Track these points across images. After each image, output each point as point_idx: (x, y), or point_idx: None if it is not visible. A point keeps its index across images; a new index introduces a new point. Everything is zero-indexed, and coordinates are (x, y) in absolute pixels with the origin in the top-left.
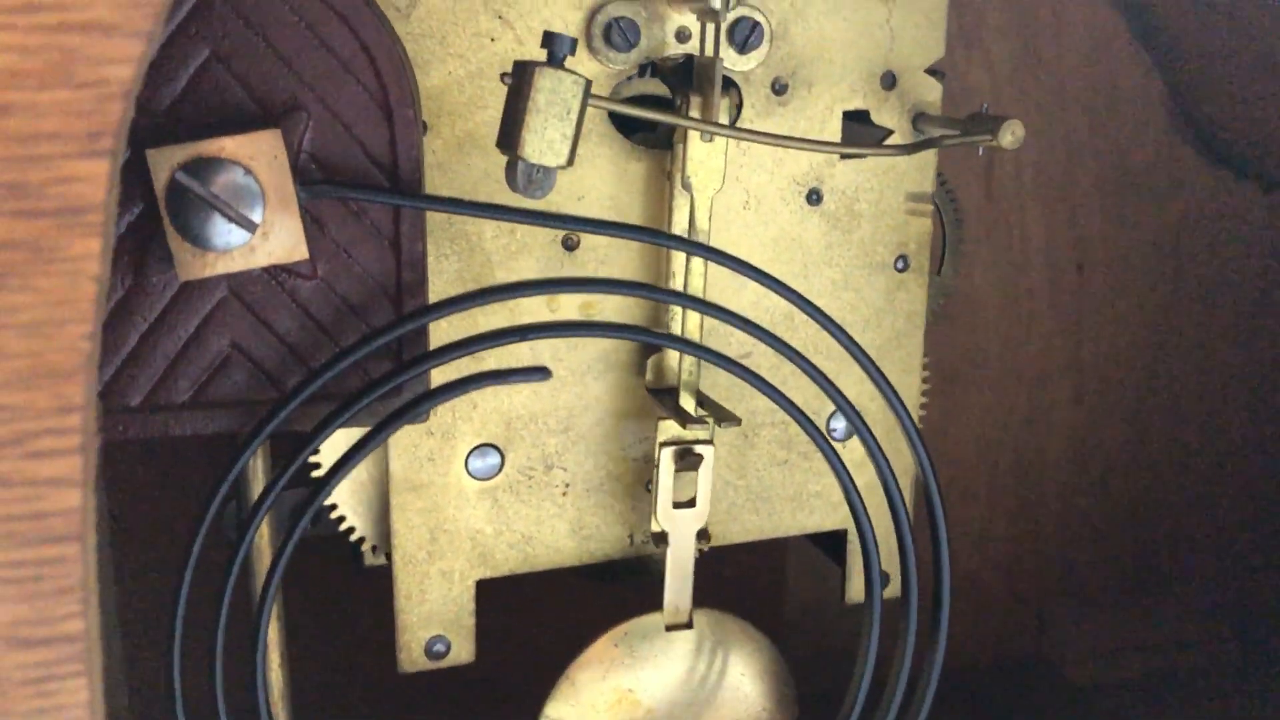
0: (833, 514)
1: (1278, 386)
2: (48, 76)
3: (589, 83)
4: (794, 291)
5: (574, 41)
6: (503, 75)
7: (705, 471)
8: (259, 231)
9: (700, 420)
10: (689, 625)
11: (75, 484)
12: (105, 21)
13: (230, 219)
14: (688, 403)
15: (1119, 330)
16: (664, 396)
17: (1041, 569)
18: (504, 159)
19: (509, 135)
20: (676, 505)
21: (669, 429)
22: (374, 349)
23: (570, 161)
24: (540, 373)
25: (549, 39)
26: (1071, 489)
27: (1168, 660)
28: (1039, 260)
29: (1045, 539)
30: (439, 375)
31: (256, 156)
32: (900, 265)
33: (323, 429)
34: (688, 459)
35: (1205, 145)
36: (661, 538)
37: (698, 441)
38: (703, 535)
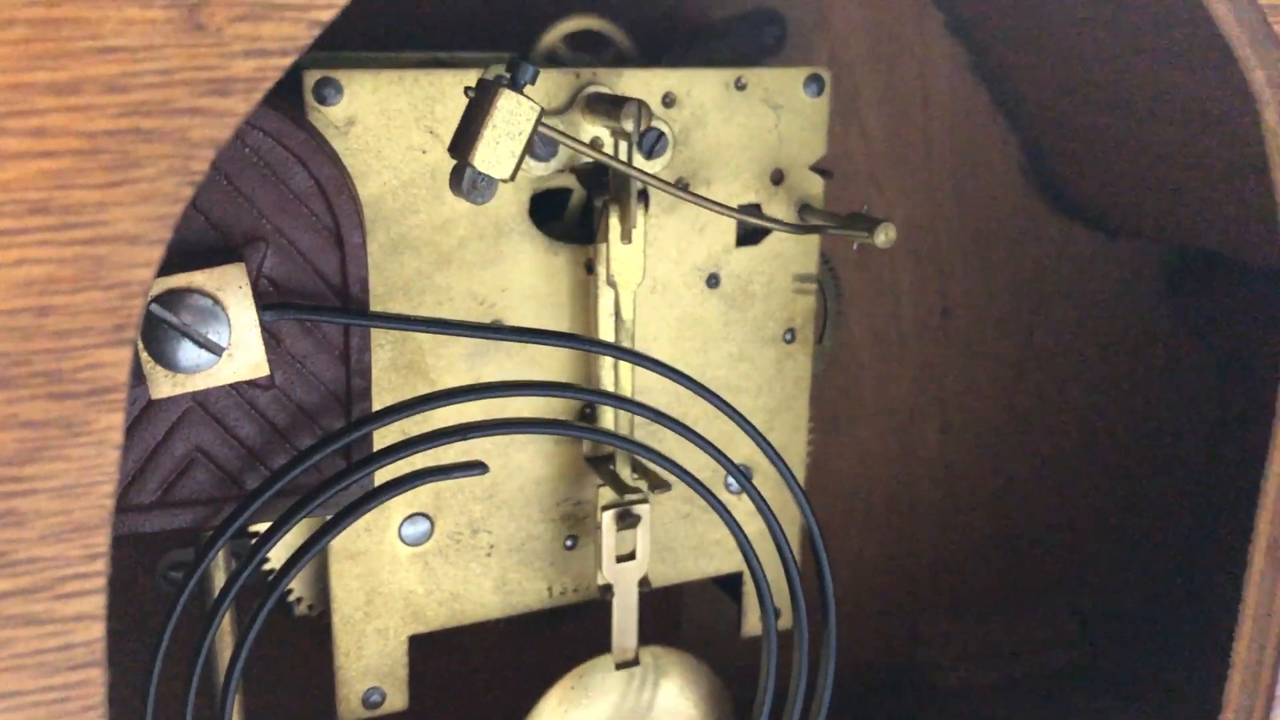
0: (730, 559)
1: (1119, 418)
2: (82, 281)
3: (542, 110)
4: (697, 382)
5: (537, 71)
6: (466, 89)
7: (643, 528)
8: (225, 353)
9: (636, 487)
10: (636, 662)
11: (97, 618)
12: (130, 233)
13: (199, 344)
14: (624, 471)
15: (980, 368)
16: (599, 465)
17: (914, 585)
18: (432, 259)
19: (462, 143)
20: (619, 559)
21: (607, 494)
22: (326, 454)
23: (513, 177)
24: (479, 468)
25: (516, 65)
26: (939, 513)
27: (1024, 663)
28: (908, 307)
29: (917, 559)
30: (382, 474)
31: (223, 287)
32: (789, 338)
33: (282, 524)
34: (627, 519)
35: (1056, 200)
36: (607, 589)
37: (634, 503)
38: (643, 583)
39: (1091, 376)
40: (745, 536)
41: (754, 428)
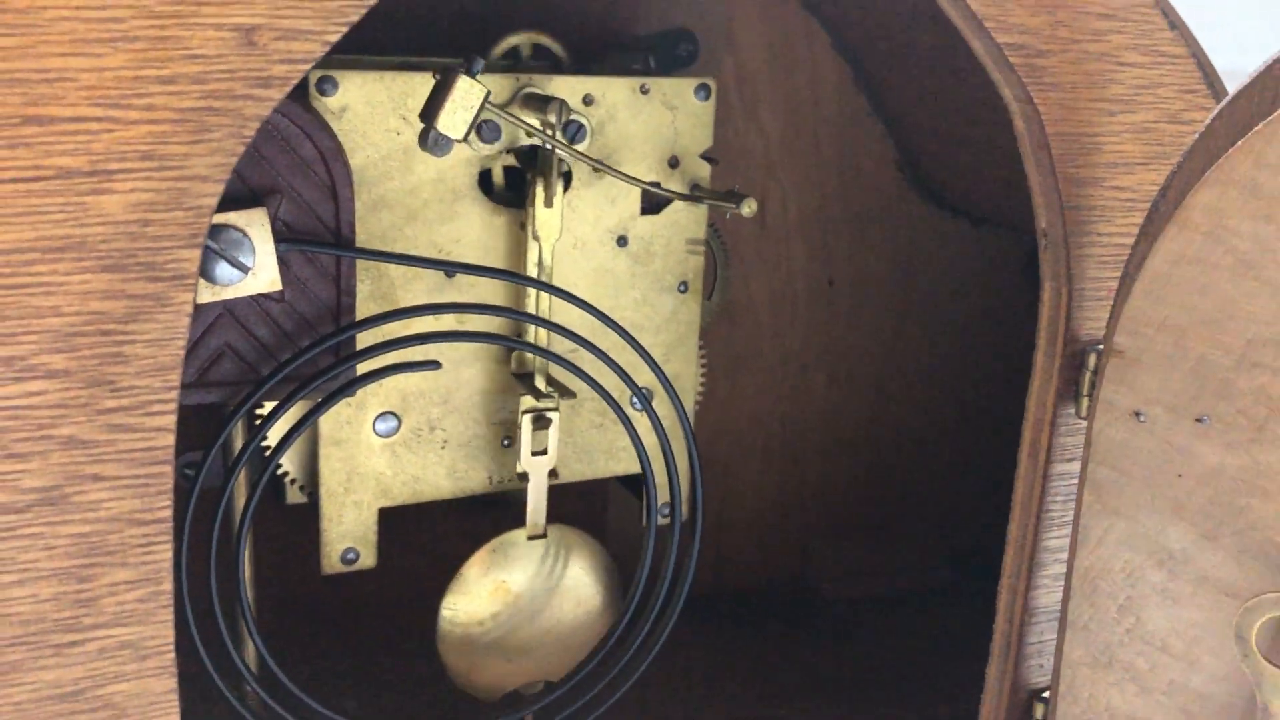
0: (633, 462)
1: (982, 376)
2: (171, 205)
3: (489, 93)
4: (606, 316)
5: (484, 63)
6: (434, 73)
7: (553, 430)
8: (249, 273)
9: (549, 395)
10: (544, 535)
11: (170, 431)
12: (203, 175)
13: (231, 264)
14: (540, 383)
15: (862, 328)
16: (523, 379)
17: (804, 513)
18: (403, 214)
19: (430, 111)
20: (534, 453)
21: (528, 402)
22: (320, 349)
23: (465, 139)
24: (432, 364)
25: (470, 58)
26: (827, 450)
27: (899, 581)
28: (800, 276)
29: (808, 489)
30: (361, 367)
31: (250, 224)
32: (682, 289)
33: (286, 402)
34: (540, 421)
35: (926, 190)
36: (524, 476)
37: (547, 409)
38: (552, 473)
39: (957, 342)
40: (639, 440)
41: (650, 357)
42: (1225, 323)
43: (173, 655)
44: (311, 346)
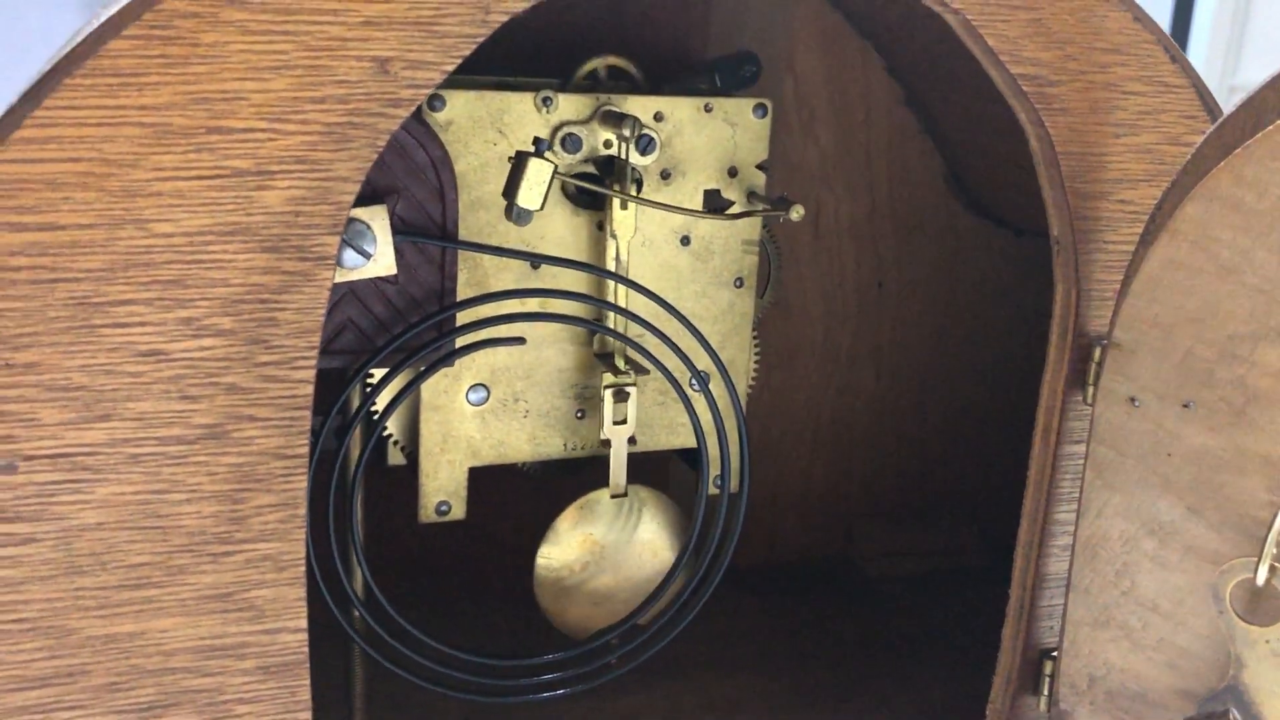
0: (691, 437)
1: (1018, 373)
2: (317, 200)
3: (556, 167)
4: (670, 305)
5: (549, 144)
6: (509, 158)
7: (631, 402)
8: (371, 259)
9: (626, 372)
10: (625, 494)
11: (311, 383)
12: (344, 176)
13: (356, 251)
14: (619, 362)
15: (907, 328)
16: (604, 358)
17: (850, 496)
18: (497, 212)
19: (510, 189)
20: (615, 423)
21: (609, 378)
22: (426, 325)
23: (542, 208)
24: (519, 340)
25: (537, 142)
26: (872, 439)
27: (935, 561)
28: (850, 279)
29: (853, 474)
30: (460, 342)
31: (373, 218)
32: (738, 284)
33: (396, 370)
34: (620, 395)
35: (971, 203)
36: (606, 442)
37: (626, 385)
38: (631, 441)
39: (997, 342)
40: (698, 418)
41: (708, 342)
42: (1209, 320)
43: (304, 569)
44: (419, 322)
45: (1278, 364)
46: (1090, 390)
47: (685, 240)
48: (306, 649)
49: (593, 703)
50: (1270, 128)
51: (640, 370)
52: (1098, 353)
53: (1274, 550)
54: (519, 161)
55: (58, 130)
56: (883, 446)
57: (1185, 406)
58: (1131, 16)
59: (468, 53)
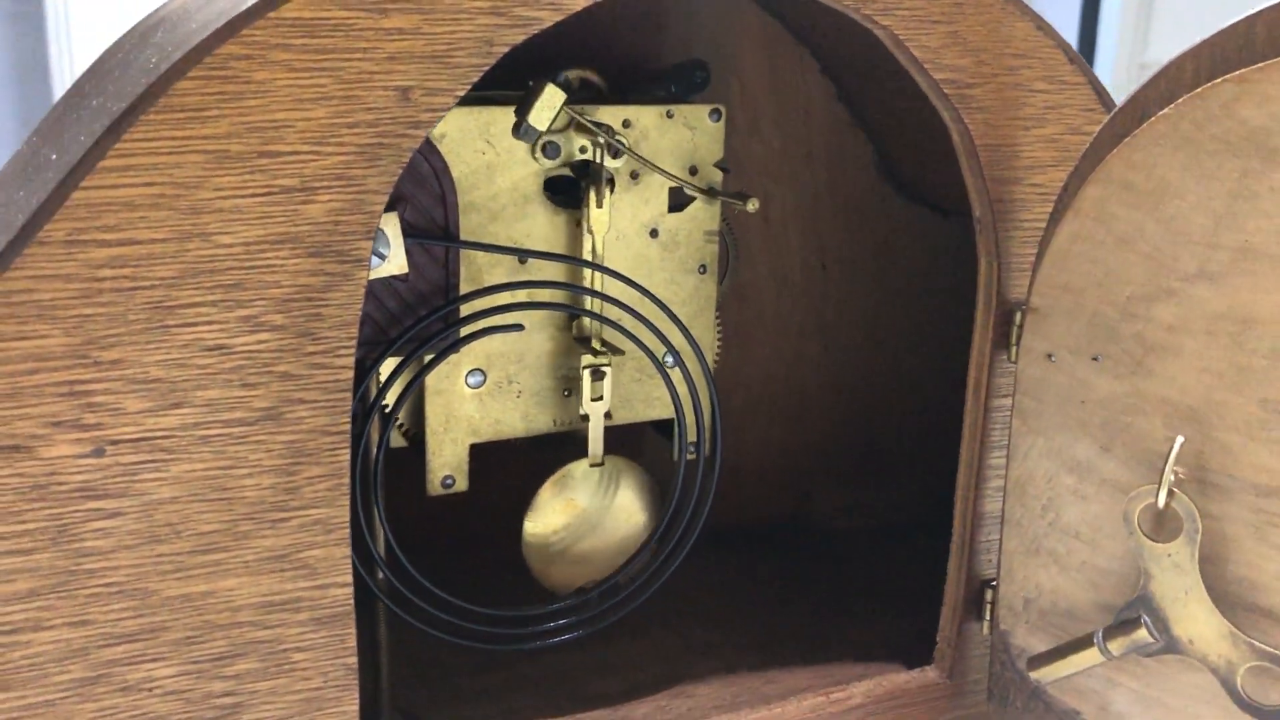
0: (666, 409)
1: (950, 340)
2: (353, 211)
3: (567, 96)
4: (645, 289)
5: (568, 80)
6: (527, 81)
7: (607, 381)
8: (385, 259)
9: (603, 353)
10: (602, 464)
11: (352, 352)
12: (374, 189)
13: (374, 254)
14: (596, 344)
15: (850, 303)
16: (582, 341)
17: (806, 458)
18: (488, 214)
19: (523, 109)
20: (593, 399)
21: (587, 359)
22: (433, 318)
23: (547, 129)
24: (517, 327)
25: (554, 74)
26: (824, 405)
27: (886, 516)
28: (797, 260)
29: (808, 438)
30: (464, 331)
31: (387, 224)
32: (701, 271)
33: (409, 358)
34: (597, 374)
35: (900, 188)
36: (585, 417)
37: (602, 364)
38: (607, 415)
39: (930, 313)
40: (676, 390)
41: (680, 321)
42: (1110, 284)
43: (348, 531)
44: (425, 316)
45: (1169, 319)
46: (1013, 350)
47: (654, 233)
48: (352, 602)
49: (591, 650)
50: (1151, 119)
51: (616, 351)
52: (1018, 317)
53: (1170, 478)
54: (537, 85)
55: (135, 159)
56: (833, 413)
57: (1095, 359)
58: (1034, 25)
59: (475, 79)
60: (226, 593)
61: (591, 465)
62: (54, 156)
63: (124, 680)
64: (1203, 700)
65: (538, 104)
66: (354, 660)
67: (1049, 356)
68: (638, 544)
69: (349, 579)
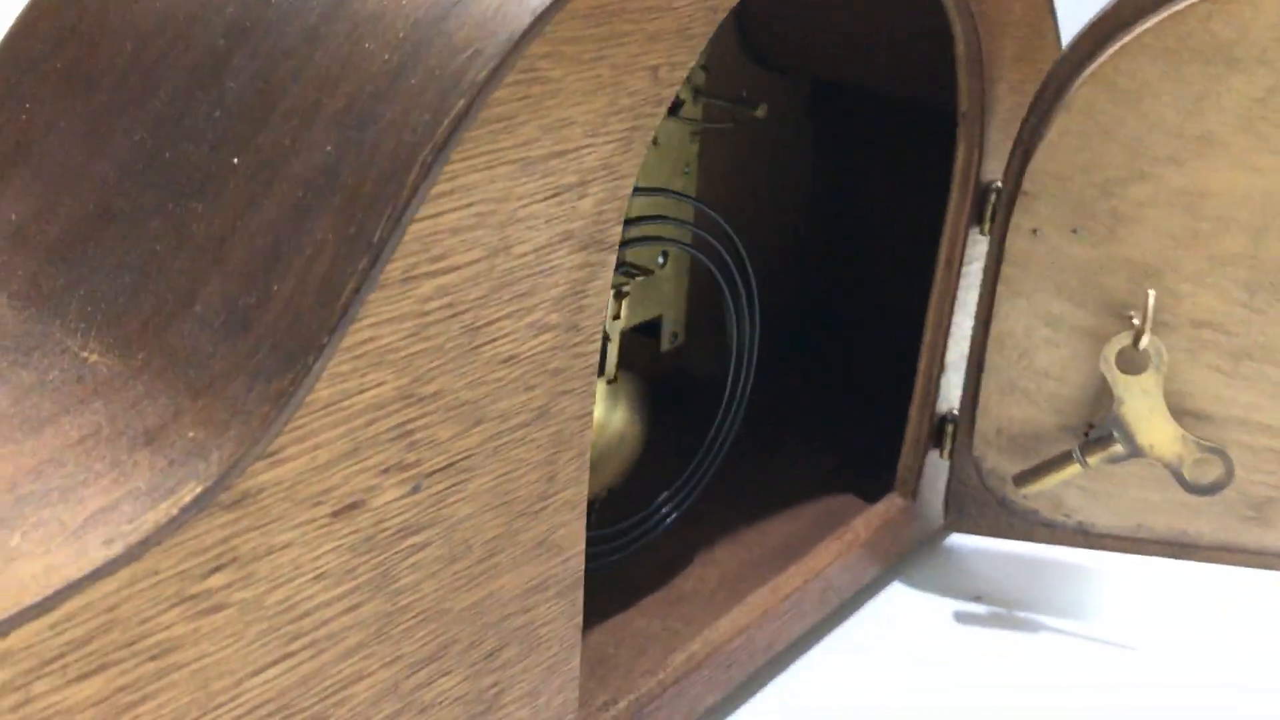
0: (649, 313)
1: (766, 203)
2: (612, 198)
3: None
4: (726, 224)
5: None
6: None
7: (627, 301)
8: None
9: (634, 273)
10: (615, 380)
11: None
12: (627, 173)
13: None
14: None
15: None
16: None
17: None
18: None
19: None
20: (613, 318)
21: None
22: None
23: None
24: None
25: None
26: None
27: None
28: None
29: None
30: None
31: None
32: (686, 171)
33: None
34: (619, 294)
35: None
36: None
37: (624, 286)
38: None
39: (753, 172)
40: (724, 287)
41: (735, 238)
42: (1092, 169)
43: (586, 500)
44: None
45: (1140, 196)
46: (987, 225)
47: (655, 141)
48: (583, 567)
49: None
50: (1138, 33)
51: (644, 271)
52: (992, 196)
53: (1137, 323)
54: None
55: (459, 180)
56: None
57: (1074, 232)
58: None
59: (702, 47)
60: (500, 591)
61: (608, 382)
62: (235, 160)
63: (422, 702)
64: (1146, 487)
65: None
66: (580, 620)
67: (1034, 232)
68: (638, 451)
69: (583, 547)
